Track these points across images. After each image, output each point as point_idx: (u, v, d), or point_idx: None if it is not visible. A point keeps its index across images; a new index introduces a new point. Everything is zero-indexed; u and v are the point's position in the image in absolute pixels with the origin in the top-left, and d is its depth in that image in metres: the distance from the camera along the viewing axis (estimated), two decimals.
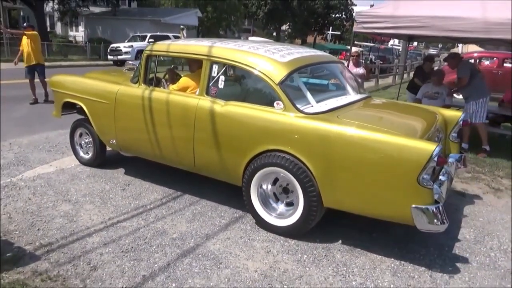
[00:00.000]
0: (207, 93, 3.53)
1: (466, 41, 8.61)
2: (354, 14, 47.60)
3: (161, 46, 4.03)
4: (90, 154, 4.69)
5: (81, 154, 4.79)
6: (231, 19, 40.02)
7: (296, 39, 54.00)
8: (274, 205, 3.40)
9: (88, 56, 21.95)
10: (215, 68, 3.52)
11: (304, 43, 46.52)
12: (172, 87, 4.01)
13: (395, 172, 2.73)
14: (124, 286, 2.59)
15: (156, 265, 2.84)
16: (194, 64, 4.02)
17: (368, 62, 16.12)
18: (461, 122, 3.87)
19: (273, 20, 49.67)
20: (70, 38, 29.33)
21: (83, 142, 4.74)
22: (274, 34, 53.17)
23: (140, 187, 4.22)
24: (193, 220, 3.55)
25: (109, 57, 19.72)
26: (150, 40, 18.97)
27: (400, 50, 24.87)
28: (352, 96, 3.94)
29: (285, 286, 2.68)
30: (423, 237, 3.41)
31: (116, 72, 5.37)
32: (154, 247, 3.07)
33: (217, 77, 3.51)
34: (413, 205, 2.70)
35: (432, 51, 41.26)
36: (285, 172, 3.14)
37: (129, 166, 4.68)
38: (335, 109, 3.33)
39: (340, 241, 3.30)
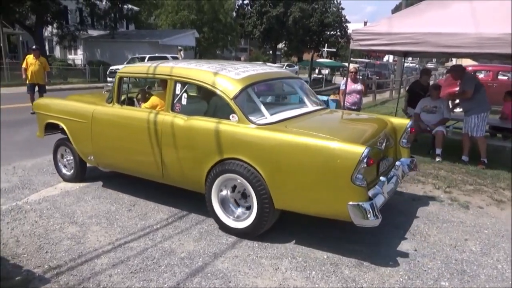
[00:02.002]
0: (172, 110, 3.86)
1: (460, 55, 8.78)
2: (348, 31, 48.33)
3: (132, 69, 4.51)
4: (72, 171, 4.93)
5: (64, 171, 5.03)
6: (228, 39, 40.69)
7: (292, 56, 54.73)
8: (233, 208, 3.66)
9: (87, 79, 22.15)
10: (178, 86, 3.86)
11: (300, 60, 47.10)
12: (144, 105, 4.39)
13: (332, 173, 3.03)
14: None
15: (166, 285, 2.84)
16: (162, 84, 4.34)
17: (365, 78, 16.34)
18: (408, 129, 4.17)
19: (269, 39, 50.48)
20: (69, 62, 29.60)
21: (65, 160, 5.00)
22: (270, 52, 53.91)
23: (146, 207, 4.24)
24: (200, 239, 3.56)
25: (108, 79, 19.89)
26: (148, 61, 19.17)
27: (395, 65, 25.25)
28: (308, 108, 4.29)
29: None
30: (432, 251, 3.44)
31: (96, 94, 5.70)
32: (162, 267, 3.07)
33: (180, 94, 3.85)
34: (349, 203, 2.97)
35: (429, 65, 41.78)
36: (241, 178, 3.42)
37: (134, 187, 4.70)
38: (286, 120, 3.66)
39: (347, 257, 3.31)
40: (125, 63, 21.07)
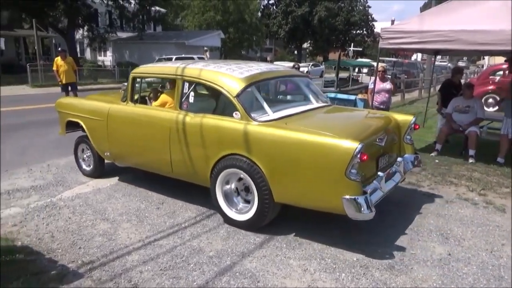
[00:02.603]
0: (180, 107, 4.05)
1: (493, 53, 8.46)
2: (375, 30, 47.20)
3: (143, 69, 4.66)
4: (91, 166, 5.17)
5: (84, 166, 5.29)
6: (253, 39, 40.76)
7: (317, 56, 54.25)
8: (236, 202, 3.82)
9: (116, 79, 22.69)
10: (186, 85, 4.04)
11: (326, 60, 46.61)
12: (154, 103, 4.62)
13: (327, 168, 3.15)
14: None
15: (195, 283, 2.86)
16: (171, 83, 4.59)
17: (393, 77, 16.00)
18: (412, 126, 4.19)
19: (295, 38, 50.24)
20: (99, 63, 30.44)
21: (85, 156, 5.26)
22: (296, 52, 53.66)
23: (174, 205, 4.30)
24: (228, 238, 3.57)
25: None
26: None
27: (424, 64, 24.59)
28: (313, 105, 4.39)
29: None
30: (467, 256, 3.32)
31: (114, 93, 5.95)
32: (191, 265, 3.10)
33: (188, 93, 4.03)
34: (343, 197, 3.07)
35: (460, 63, 40.50)
36: (243, 172, 3.57)
37: (162, 185, 4.77)
38: (287, 117, 3.76)
39: (378, 259, 3.23)
40: (152, 63, 21.49)
